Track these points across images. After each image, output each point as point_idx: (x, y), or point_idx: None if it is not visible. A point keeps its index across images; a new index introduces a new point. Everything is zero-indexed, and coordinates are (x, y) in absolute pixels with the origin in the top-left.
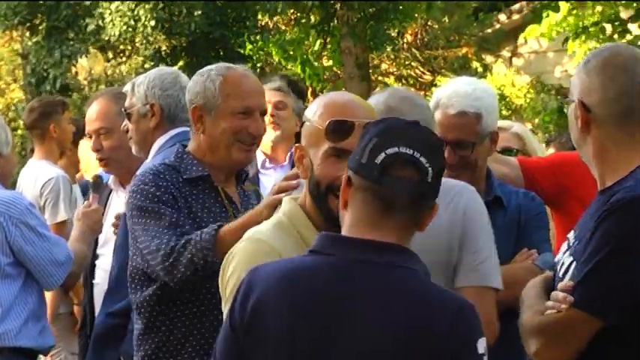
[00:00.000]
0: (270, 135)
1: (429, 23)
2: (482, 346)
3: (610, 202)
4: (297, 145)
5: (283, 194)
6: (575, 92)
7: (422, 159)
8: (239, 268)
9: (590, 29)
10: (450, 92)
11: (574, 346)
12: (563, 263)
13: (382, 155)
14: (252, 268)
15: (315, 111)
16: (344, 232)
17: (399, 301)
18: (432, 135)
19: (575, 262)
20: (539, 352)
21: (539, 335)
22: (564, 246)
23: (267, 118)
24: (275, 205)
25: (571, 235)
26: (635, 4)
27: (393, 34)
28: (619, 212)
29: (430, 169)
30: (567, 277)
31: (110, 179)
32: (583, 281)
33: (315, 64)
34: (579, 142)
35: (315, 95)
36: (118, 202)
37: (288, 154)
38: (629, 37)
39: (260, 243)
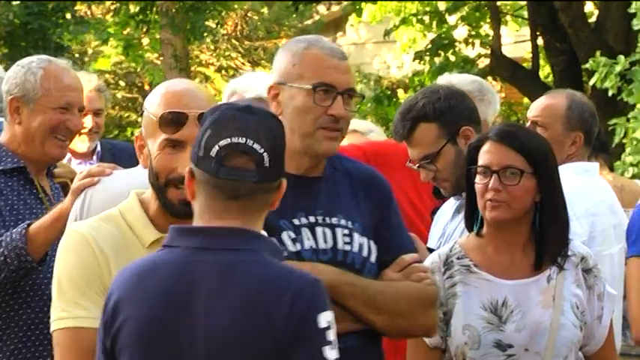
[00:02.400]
0: (84, 145)
1: (248, 14)
2: (324, 320)
3: None
4: (136, 134)
5: (87, 180)
6: None
7: (255, 145)
8: (58, 261)
9: (411, 19)
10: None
11: None
12: None
13: (216, 148)
14: (120, 270)
15: (152, 100)
16: (193, 222)
17: (239, 286)
18: (268, 117)
19: None
20: None
21: None
22: None
23: (87, 125)
24: (78, 192)
25: None
26: None
27: (212, 25)
28: None
29: (265, 153)
30: None
31: None
32: None
33: (139, 51)
34: None
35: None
36: None
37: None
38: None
39: (72, 233)
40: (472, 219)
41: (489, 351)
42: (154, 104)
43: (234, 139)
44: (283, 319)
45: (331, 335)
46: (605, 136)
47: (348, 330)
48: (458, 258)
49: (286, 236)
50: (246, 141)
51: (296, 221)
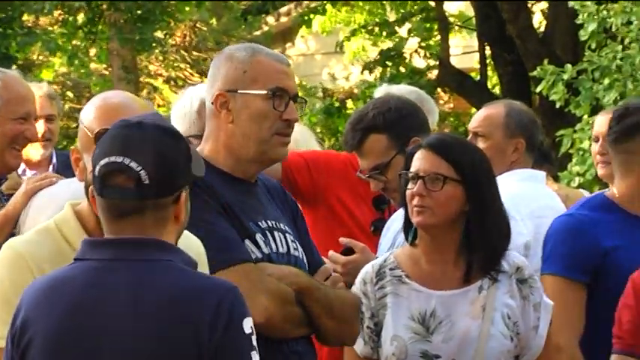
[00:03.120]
0: (37, 152)
1: (197, 25)
2: (248, 325)
3: None
4: (72, 147)
5: (46, 180)
6: None
7: (132, 164)
8: None
9: (361, 30)
10: None
11: None
12: None
13: (97, 167)
14: (29, 285)
15: (87, 114)
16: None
17: (157, 296)
18: (158, 132)
19: None
20: None
21: None
22: None
23: (40, 131)
24: (31, 194)
25: None
26: (401, 9)
27: (160, 36)
28: None
29: (143, 171)
30: None
31: None
32: None
33: (84, 62)
34: None
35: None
36: None
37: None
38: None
39: (8, 251)
40: (408, 229)
41: None
42: (89, 118)
43: (112, 158)
44: (208, 326)
45: (254, 341)
46: (548, 147)
47: (304, 334)
48: (390, 269)
49: (259, 238)
50: (123, 159)
51: (260, 224)
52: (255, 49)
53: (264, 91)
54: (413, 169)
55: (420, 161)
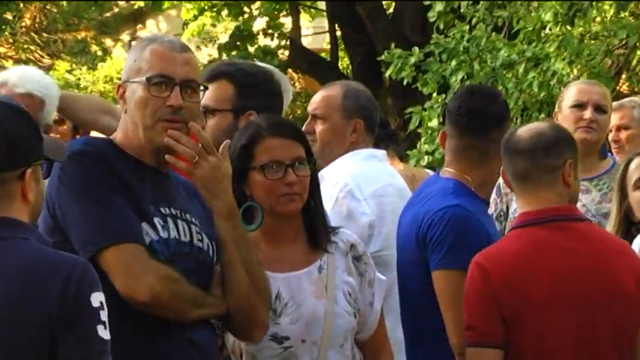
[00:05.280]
0: None
1: (47, 7)
2: (97, 299)
3: None
4: None
5: None
6: None
7: None
8: None
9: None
10: None
11: None
12: None
13: None
14: None
15: None
16: None
17: (11, 269)
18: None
19: None
20: None
21: None
22: None
23: None
24: None
25: None
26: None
27: (9, 18)
28: None
29: None
30: None
31: None
32: None
33: None
34: None
35: None
36: None
37: None
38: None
39: None
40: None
41: (266, 345)
42: None
43: None
44: (58, 296)
45: (103, 315)
46: (395, 128)
47: (205, 315)
48: None
49: (157, 221)
50: None
51: (162, 210)
52: (153, 38)
53: (143, 79)
54: (273, 157)
55: (277, 149)
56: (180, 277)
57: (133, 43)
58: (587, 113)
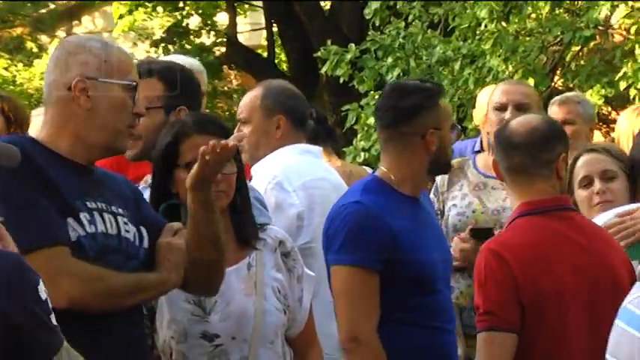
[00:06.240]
0: None
1: None
2: (43, 291)
3: None
4: None
5: None
6: None
7: None
8: None
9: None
10: None
11: None
12: None
13: None
14: None
15: None
16: None
17: None
18: None
19: None
20: None
21: None
22: None
23: None
24: None
25: None
26: None
27: None
28: None
29: None
30: None
31: None
32: None
33: None
34: None
35: None
36: None
37: None
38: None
39: None
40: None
41: (196, 342)
42: None
43: None
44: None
45: (49, 305)
46: (332, 124)
47: (136, 302)
48: None
49: (83, 217)
50: None
51: (88, 204)
52: (104, 41)
53: (126, 82)
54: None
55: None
56: (105, 273)
57: (71, 43)
58: (507, 114)
